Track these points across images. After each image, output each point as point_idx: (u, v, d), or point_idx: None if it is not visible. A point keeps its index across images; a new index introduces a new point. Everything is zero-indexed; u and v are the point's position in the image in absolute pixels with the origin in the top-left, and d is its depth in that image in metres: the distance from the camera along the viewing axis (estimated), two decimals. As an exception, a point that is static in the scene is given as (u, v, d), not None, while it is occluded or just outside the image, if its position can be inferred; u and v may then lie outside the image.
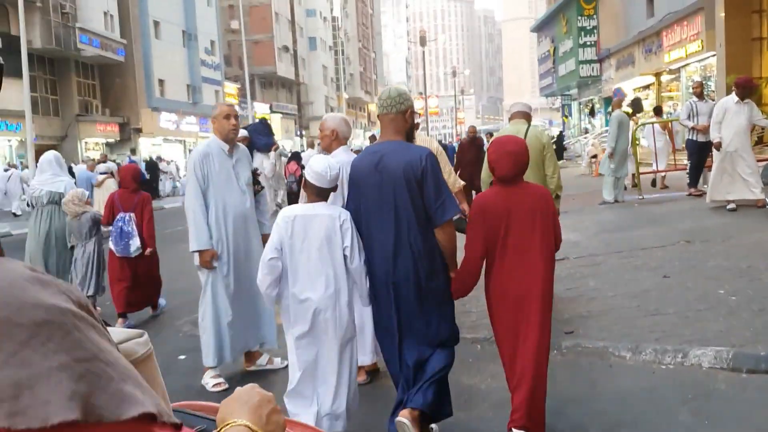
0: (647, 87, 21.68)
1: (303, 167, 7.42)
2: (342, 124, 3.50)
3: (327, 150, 3.55)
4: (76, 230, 5.13)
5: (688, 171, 8.89)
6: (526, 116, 4.46)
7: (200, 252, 3.54)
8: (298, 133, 30.03)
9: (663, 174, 10.47)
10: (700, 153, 8.30)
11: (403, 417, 2.53)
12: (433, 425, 2.71)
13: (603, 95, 25.29)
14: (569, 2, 26.55)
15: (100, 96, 25.23)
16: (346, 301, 2.64)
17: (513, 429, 2.50)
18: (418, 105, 48.72)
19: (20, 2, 12.88)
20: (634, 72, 21.63)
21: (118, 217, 5.16)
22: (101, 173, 12.90)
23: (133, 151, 21.43)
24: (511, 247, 2.53)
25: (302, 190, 3.08)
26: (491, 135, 10.45)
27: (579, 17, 25.87)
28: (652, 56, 19.99)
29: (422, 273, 2.56)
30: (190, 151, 24.29)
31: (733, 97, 7.00)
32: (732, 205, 7.06)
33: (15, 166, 18.77)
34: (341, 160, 3.35)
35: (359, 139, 40.12)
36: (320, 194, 2.65)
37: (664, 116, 13.29)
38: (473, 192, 8.52)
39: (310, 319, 2.60)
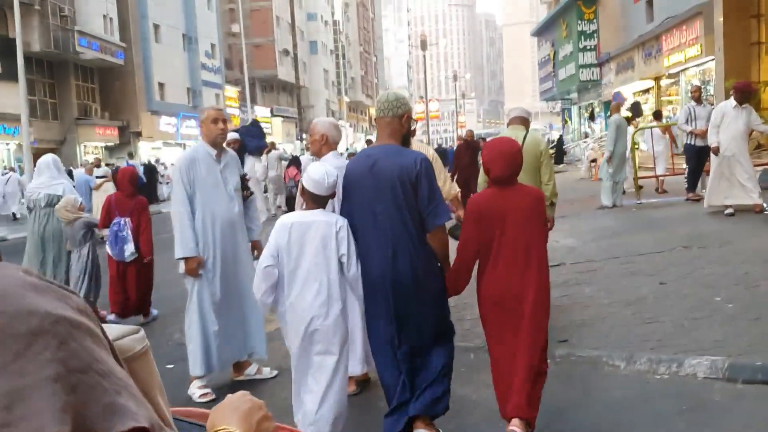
0: (647, 91, 21.65)
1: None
2: (332, 129, 3.45)
3: (316, 155, 3.50)
4: (70, 236, 5.15)
5: (686, 176, 8.84)
6: (525, 122, 4.45)
7: (186, 259, 3.48)
8: (299, 136, 30.04)
9: (662, 178, 10.43)
10: (698, 157, 8.25)
11: (420, 429, 2.57)
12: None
13: (603, 99, 25.27)
14: (569, 6, 26.56)
15: (100, 99, 25.22)
16: (339, 309, 2.63)
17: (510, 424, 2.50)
18: (418, 109, 48.73)
19: (16, 4, 12.84)
20: (634, 76, 21.61)
21: (114, 221, 5.15)
22: (99, 177, 12.92)
23: (131, 155, 21.38)
24: (505, 247, 2.53)
25: (299, 196, 3.08)
26: (484, 140, 10.39)
27: (579, 21, 25.88)
28: (652, 60, 19.97)
29: (419, 275, 2.56)
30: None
31: (732, 101, 6.95)
32: (730, 210, 7.00)
33: (14, 170, 18.78)
34: (331, 165, 3.30)
35: (361, 143, 40.13)
36: (317, 201, 2.65)
37: (664, 120, 13.24)
38: (471, 196, 8.46)
39: (304, 326, 2.60)
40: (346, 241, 2.59)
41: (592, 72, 26.02)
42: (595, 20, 25.70)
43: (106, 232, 5.29)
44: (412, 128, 2.98)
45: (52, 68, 22.73)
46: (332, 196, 2.70)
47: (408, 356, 2.64)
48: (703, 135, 7.68)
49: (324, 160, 3.38)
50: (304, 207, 2.80)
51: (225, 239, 3.56)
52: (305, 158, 10.86)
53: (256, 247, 3.81)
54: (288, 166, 11.89)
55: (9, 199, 17.30)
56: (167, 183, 22.87)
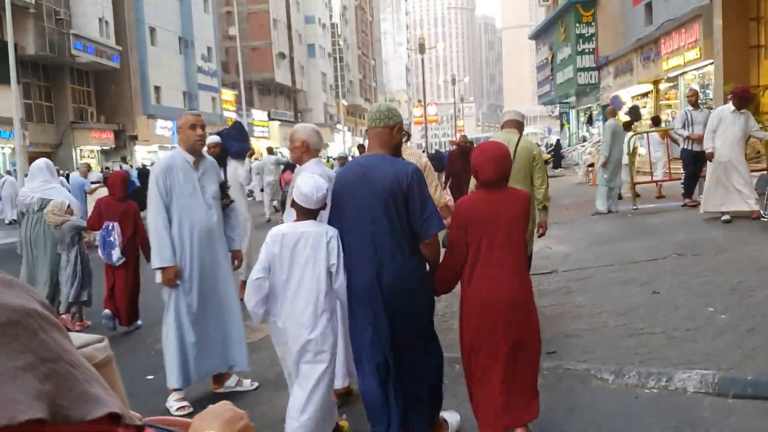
0: (645, 95, 21.57)
1: None
2: (313, 135, 3.35)
3: (298, 162, 3.41)
4: (59, 239, 5.23)
5: (682, 181, 8.74)
6: (518, 125, 4.41)
7: (163, 269, 3.38)
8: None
9: (660, 184, 10.35)
10: (695, 163, 8.15)
11: None
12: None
13: (601, 103, 25.19)
14: (568, 9, 26.52)
15: (95, 103, 25.18)
16: (327, 319, 2.64)
17: None
18: (417, 113, 48.66)
19: (7, 6, 12.75)
20: (633, 80, 21.54)
21: (104, 225, 5.15)
22: (93, 182, 12.88)
23: (124, 159, 21.31)
24: (492, 250, 2.54)
25: (286, 205, 3.07)
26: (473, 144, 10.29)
27: (577, 24, 25.81)
28: (651, 64, 19.90)
29: (406, 286, 2.55)
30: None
31: (730, 106, 6.85)
32: (726, 217, 6.90)
33: (10, 173, 18.70)
34: (312, 173, 3.21)
35: (358, 146, 39.99)
36: (307, 214, 2.66)
37: (662, 125, 13.16)
38: (462, 200, 8.37)
39: (295, 337, 2.62)
40: (336, 251, 2.60)
41: (591, 75, 25.95)
42: (593, 23, 25.63)
43: (96, 235, 5.33)
44: (404, 139, 2.92)
45: (48, 71, 22.68)
46: (323, 207, 2.70)
47: (392, 370, 2.60)
48: (700, 140, 7.58)
49: (305, 168, 3.29)
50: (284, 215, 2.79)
51: (203, 249, 3.46)
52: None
53: (237, 257, 3.72)
54: (284, 171, 11.79)
55: (5, 203, 17.20)
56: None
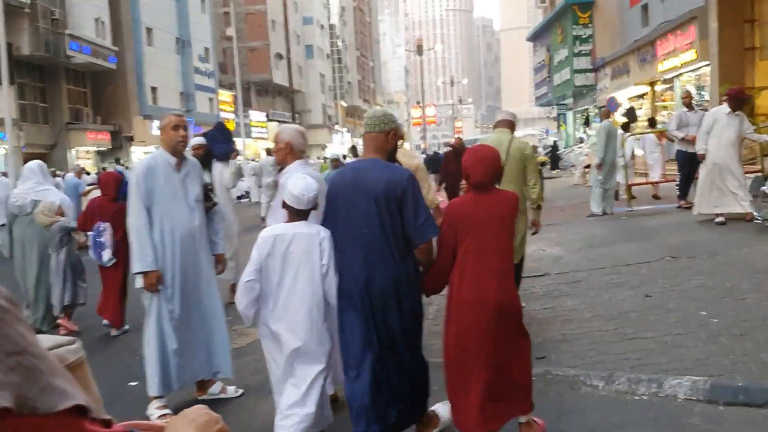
0: (642, 96, 21.55)
1: None
2: (297, 137, 3.28)
3: (282, 164, 3.34)
4: (50, 240, 5.24)
5: (677, 183, 8.69)
6: (510, 125, 4.42)
7: (144, 273, 3.31)
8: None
9: (657, 184, 10.32)
10: (690, 164, 8.09)
11: None
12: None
13: (598, 104, 25.14)
14: (565, 11, 26.50)
15: (91, 104, 25.06)
16: (322, 319, 2.64)
17: None
18: (415, 114, 48.58)
19: (-1, 5, 12.66)
20: (629, 81, 21.51)
21: (95, 225, 5.13)
22: (89, 184, 12.83)
23: (118, 161, 21.20)
24: (481, 252, 2.55)
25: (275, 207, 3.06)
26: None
27: (574, 26, 25.79)
28: (647, 65, 19.89)
29: (397, 292, 2.56)
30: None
31: (725, 107, 6.80)
32: (721, 219, 6.85)
33: (5, 174, 18.59)
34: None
35: (358, 148, 39.99)
36: (298, 215, 2.66)
37: (658, 126, 13.12)
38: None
39: (289, 338, 2.61)
40: (328, 252, 2.60)
41: (587, 77, 25.92)
42: (590, 25, 25.61)
43: (85, 236, 5.33)
44: (399, 145, 2.92)
45: (43, 72, 22.56)
46: (314, 208, 2.69)
47: (379, 371, 2.59)
48: (695, 141, 7.53)
49: (290, 170, 3.23)
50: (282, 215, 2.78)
51: (185, 253, 3.39)
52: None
53: (221, 261, 3.65)
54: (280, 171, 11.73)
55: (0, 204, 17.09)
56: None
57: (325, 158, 24.05)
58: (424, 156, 25.32)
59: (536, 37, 33.49)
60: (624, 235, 7.27)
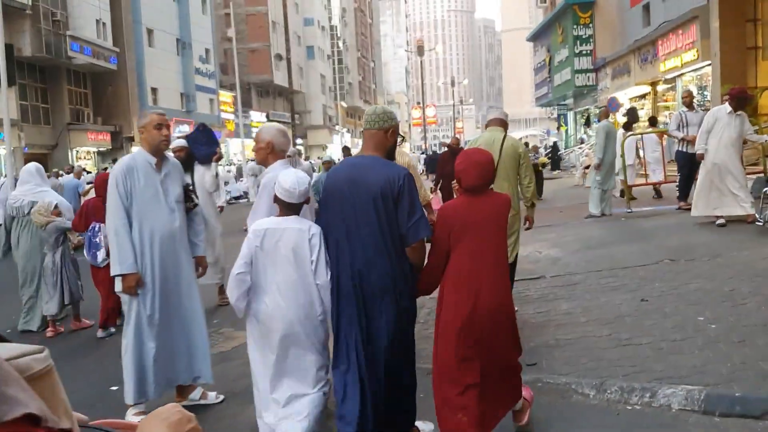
0: (643, 97, 21.41)
1: None
2: (279, 136, 3.18)
3: (263, 164, 3.24)
4: (45, 240, 5.28)
5: (677, 183, 8.57)
6: (503, 124, 4.40)
7: (123, 276, 3.22)
8: (294, 142, 29.83)
9: (658, 184, 10.19)
10: (690, 165, 7.96)
11: None
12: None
13: (599, 105, 25.00)
14: (565, 11, 26.37)
15: (92, 104, 25.04)
16: (317, 312, 2.64)
17: None
18: (416, 114, 48.48)
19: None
20: (630, 81, 21.37)
21: (90, 226, 5.14)
22: (89, 183, 12.77)
23: (116, 161, 21.15)
24: (475, 254, 2.55)
25: (257, 203, 3.00)
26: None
27: (575, 26, 25.65)
28: (648, 65, 19.74)
29: (396, 286, 2.55)
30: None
31: (726, 107, 6.68)
32: (721, 221, 6.73)
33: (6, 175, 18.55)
34: (277, 175, 3.05)
35: (357, 149, 39.89)
36: (290, 209, 2.66)
37: (659, 126, 13.00)
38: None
39: (280, 331, 2.60)
40: (317, 247, 2.59)
41: (588, 77, 25.79)
42: (591, 25, 25.46)
43: (81, 236, 5.42)
44: (398, 143, 2.92)
45: (44, 73, 22.53)
46: (306, 202, 2.69)
47: (370, 372, 2.58)
48: (695, 141, 7.41)
49: (271, 170, 3.13)
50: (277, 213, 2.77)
51: (165, 255, 3.29)
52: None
53: (201, 263, 3.55)
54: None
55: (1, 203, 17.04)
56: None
57: (318, 158, 23.94)
58: (424, 156, 25.24)
59: (536, 37, 33.35)
60: (622, 237, 7.15)
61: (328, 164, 8.05)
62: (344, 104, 54.01)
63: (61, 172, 15.57)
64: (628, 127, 10.74)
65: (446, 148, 10.44)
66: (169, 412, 0.78)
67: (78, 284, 5.35)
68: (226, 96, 33.36)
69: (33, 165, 5.79)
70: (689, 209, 7.86)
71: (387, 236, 2.52)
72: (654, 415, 2.85)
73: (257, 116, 35.73)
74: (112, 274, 3.30)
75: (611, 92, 22.45)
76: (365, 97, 60.83)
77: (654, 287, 4.74)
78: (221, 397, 3.56)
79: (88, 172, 17.95)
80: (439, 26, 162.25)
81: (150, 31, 26.74)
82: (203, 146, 5.09)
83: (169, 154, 3.49)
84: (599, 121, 8.92)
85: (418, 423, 2.81)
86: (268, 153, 3.16)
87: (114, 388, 3.90)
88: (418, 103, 47.43)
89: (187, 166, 4.79)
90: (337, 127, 50.90)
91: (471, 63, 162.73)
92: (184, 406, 2.79)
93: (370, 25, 66.46)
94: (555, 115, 37.71)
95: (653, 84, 19.94)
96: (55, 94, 23.04)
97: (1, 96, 12.64)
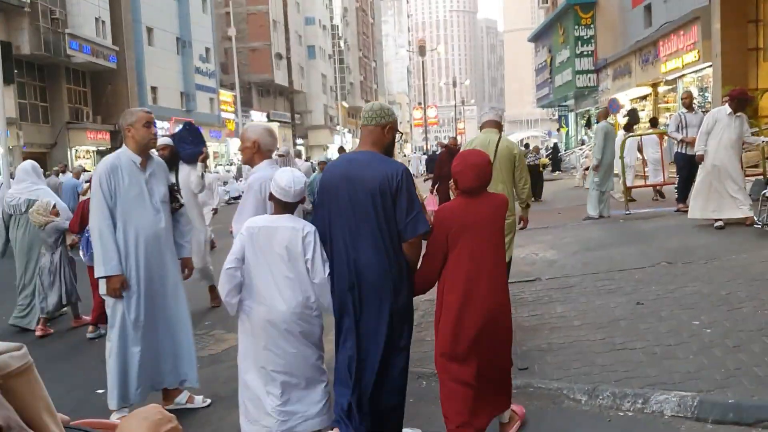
0: (644, 98, 21.32)
1: None
2: (265, 135, 3.13)
3: (249, 164, 3.19)
4: (43, 240, 5.26)
5: (676, 185, 8.49)
6: (497, 125, 4.40)
7: (108, 278, 3.16)
8: (294, 142, 29.76)
9: (659, 186, 10.10)
10: (689, 167, 7.89)
11: None
12: None
13: (600, 106, 24.93)
14: (567, 11, 26.29)
15: (92, 103, 24.99)
16: (312, 310, 2.63)
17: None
18: (417, 115, 48.42)
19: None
20: (631, 82, 21.30)
21: (87, 226, 5.02)
22: (87, 181, 12.71)
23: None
24: (473, 255, 2.54)
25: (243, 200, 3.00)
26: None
27: (576, 26, 25.58)
28: (649, 66, 19.67)
29: (392, 283, 2.53)
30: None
31: (726, 108, 6.60)
32: (720, 223, 6.66)
33: (-2, 174, 18.50)
34: (264, 175, 3.00)
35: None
36: (285, 207, 2.65)
37: (660, 128, 12.92)
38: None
39: (274, 329, 2.58)
40: (312, 246, 2.57)
41: (589, 78, 25.71)
42: (592, 25, 25.39)
43: (77, 236, 5.34)
44: (397, 140, 2.89)
45: (43, 71, 22.50)
46: (301, 201, 2.67)
47: (364, 372, 2.58)
48: (695, 143, 7.34)
49: (257, 170, 3.07)
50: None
51: (150, 256, 3.23)
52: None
53: (187, 265, 3.49)
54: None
55: (-1, 202, 17.02)
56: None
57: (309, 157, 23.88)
58: (425, 157, 25.16)
59: (538, 37, 33.28)
60: (620, 239, 7.08)
61: (324, 165, 7.98)
62: (345, 104, 53.95)
63: (56, 169, 15.53)
64: (628, 128, 10.67)
65: (442, 149, 10.32)
66: (149, 412, 0.78)
67: (75, 285, 5.33)
68: (226, 95, 33.31)
69: (29, 163, 5.78)
70: (687, 211, 7.80)
71: (384, 232, 2.51)
72: (646, 422, 2.79)
73: (258, 116, 35.67)
74: (96, 276, 3.25)
75: (612, 93, 22.38)
76: (367, 97, 60.75)
77: (650, 290, 4.68)
78: (208, 401, 3.51)
79: (88, 171, 17.91)
80: (441, 26, 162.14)
81: (150, 30, 26.70)
82: (189, 145, 4.99)
83: (153, 152, 3.42)
84: (598, 122, 8.82)
85: (405, 430, 2.75)
86: (254, 152, 3.11)
87: (100, 391, 3.84)
88: (420, 103, 47.36)
89: (171, 165, 4.72)
90: (338, 128, 50.84)
91: (473, 63, 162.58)
92: (170, 410, 2.70)
93: (371, 24, 66.39)
94: (556, 116, 37.62)
95: (654, 85, 19.86)
96: (54, 92, 23.01)
97: (8, 95, 12.56)
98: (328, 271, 2.59)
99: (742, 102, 6.57)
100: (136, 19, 25.86)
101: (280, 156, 7.82)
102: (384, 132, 2.64)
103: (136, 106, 25.50)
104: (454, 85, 59.38)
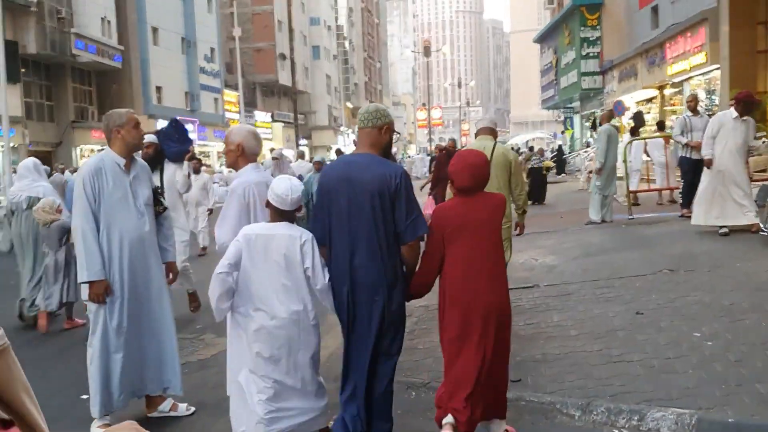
0: (650, 100, 21.11)
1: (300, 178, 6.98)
2: (249, 138, 3.04)
3: (233, 167, 3.10)
4: (47, 238, 5.23)
5: (680, 190, 8.34)
6: (492, 132, 4.42)
7: (91, 283, 3.08)
8: (297, 143, 29.77)
9: (668, 190, 9.98)
10: (694, 171, 7.74)
11: None
12: None
13: (606, 108, 24.72)
14: (573, 12, 26.11)
15: (97, 102, 25.05)
16: (310, 318, 2.60)
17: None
18: (421, 116, 48.30)
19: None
20: (637, 85, 21.09)
21: None
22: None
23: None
24: (470, 255, 2.54)
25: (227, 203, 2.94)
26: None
27: (582, 28, 25.40)
28: (656, 68, 19.46)
29: (388, 286, 2.53)
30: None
31: (732, 112, 6.46)
32: (724, 230, 6.51)
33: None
34: (248, 179, 2.92)
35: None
36: (282, 215, 2.62)
37: (666, 131, 12.76)
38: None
39: (271, 337, 2.54)
40: (311, 254, 2.55)
41: (595, 80, 25.52)
42: (598, 27, 25.19)
43: None
44: (394, 140, 2.85)
45: (49, 70, 22.57)
46: (298, 210, 2.65)
47: (360, 365, 2.59)
48: (700, 147, 7.19)
49: (241, 174, 2.99)
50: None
51: (134, 260, 3.15)
52: (295, 165, 10.46)
53: (172, 270, 3.41)
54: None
55: (1, 204, 17.08)
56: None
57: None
58: (429, 158, 25.06)
59: (543, 38, 33.10)
60: (622, 244, 6.95)
61: (319, 165, 7.91)
62: (350, 105, 53.90)
63: (62, 167, 15.55)
64: (634, 131, 10.52)
65: (442, 151, 10.20)
66: (125, 429, 0.79)
67: (77, 285, 5.30)
68: (230, 95, 33.32)
69: (31, 160, 5.79)
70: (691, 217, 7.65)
71: (382, 235, 2.50)
72: (641, 441, 2.68)
73: (262, 116, 35.68)
74: (79, 281, 3.17)
75: (618, 95, 22.18)
76: (371, 97, 60.69)
77: (650, 299, 4.56)
78: (192, 409, 3.42)
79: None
80: (447, 27, 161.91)
81: (155, 30, 26.74)
82: (175, 143, 4.87)
83: (136, 154, 3.34)
84: (601, 124, 8.68)
85: None
86: (238, 156, 3.02)
87: (84, 396, 3.76)
88: (424, 104, 47.23)
89: (156, 164, 4.62)
90: (342, 128, 50.79)
91: (479, 64, 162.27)
92: (154, 418, 2.60)
93: (377, 25, 66.33)
94: (561, 118, 37.41)
95: (660, 87, 19.66)
96: (59, 91, 23.08)
97: (14, 93, 12.58)
98: (328, 276, 2.57)
99: (748, 105, 6.43)
100: (142, 18, 25.90)
101: (274, 159, 7.73)
102: (381, 133, 2.63)
103: (141, 106, 25.60)
104: (460, 86, 59.23)
